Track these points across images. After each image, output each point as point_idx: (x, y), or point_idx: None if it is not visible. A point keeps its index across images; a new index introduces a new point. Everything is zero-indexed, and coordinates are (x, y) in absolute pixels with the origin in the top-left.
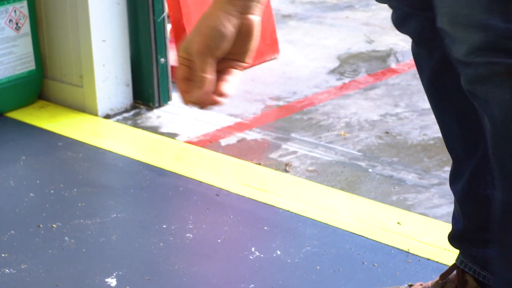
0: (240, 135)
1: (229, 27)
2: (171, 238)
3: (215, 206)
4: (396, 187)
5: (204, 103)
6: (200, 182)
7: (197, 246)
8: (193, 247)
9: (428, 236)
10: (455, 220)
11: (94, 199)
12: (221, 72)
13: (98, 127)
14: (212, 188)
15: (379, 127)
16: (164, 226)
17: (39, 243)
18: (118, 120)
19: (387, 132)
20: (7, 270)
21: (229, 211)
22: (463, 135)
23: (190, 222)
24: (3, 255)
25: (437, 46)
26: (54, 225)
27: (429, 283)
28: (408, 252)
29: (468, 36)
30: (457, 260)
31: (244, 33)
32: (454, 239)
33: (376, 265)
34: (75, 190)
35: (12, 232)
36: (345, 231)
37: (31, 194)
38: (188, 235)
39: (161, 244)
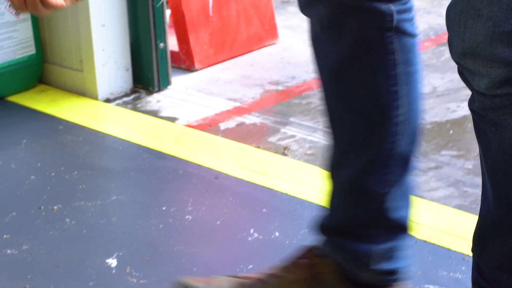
0: (239, 119)
1: None
2: (171, 220)
3: (214, 189)
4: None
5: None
6: (199, 165)
7: (196, 227)
8: (192, 229)
9: (424, 218)
10: (333, 210)
11: (94, 182)
12: None
13: (98, 111)
14: (211, 171)
15: None
16: (164, 208)
17: (40, 224)
18: (118, 104)
19: None
20: (8, 251)
21: (228, 194)
22: (359, 129)
23: (189, 204)
24: (4, 236)
25: (347, 33)
26: (55, 207)
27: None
28: None
29: (491, 71)
30: (316, 245)
31: None
32: (326, 228)
33: None
34: (75, 173)
35: (14, 213)
36: None
37: (32, 177)
38: (187, 217)
39: (161, 225)
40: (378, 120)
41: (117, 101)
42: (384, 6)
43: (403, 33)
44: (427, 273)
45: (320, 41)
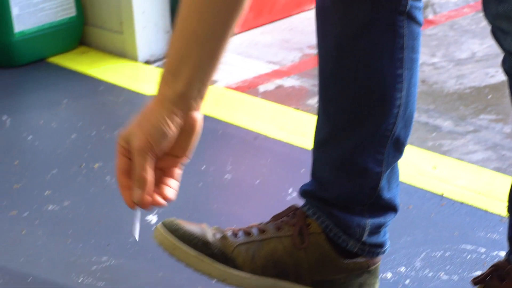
0: (278, 82)
1: (172, 127)
2: (210, 179)
3: (253, 149)
4: (433, 134)
5: (145, 205)
6: (239, 126)
7: (235, 186)
8: (231, 188)
9: (462, 180)
10: (322, 183)
11: None
12: (162, 171)
13: (139, 72)
14: (250, 132)
15: None
16: (203, 167)
17: (81, 181)
18: (158, 66)
19: (423, 81)
20: (50, 207)
21: (267, 154)
22: (358, 107)
23: (229, 164)
24: (46, 192)
25: (360, 11)
26: (96, 165)
27: (257, 225)
28: (442, 196)
29: None
30: (304, 206)
31: (186, 130)
32: (315, 197)
33: (411, 207)
34: (116, 132)
35: (55, 171)
36: None
37: (73, 136)
38: (226, 176)
39: (200, 184)
40: (379, 100)
41: (157, 63)
42: None
43: (413, 20)
44: (464, 234)
45: (328, 13)
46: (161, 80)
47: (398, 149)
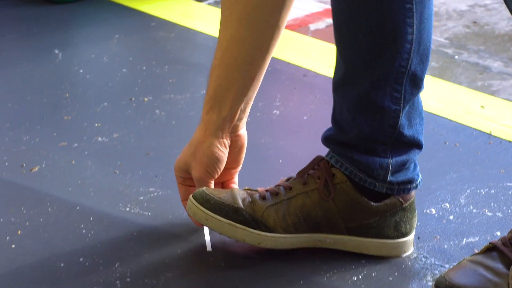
0: (329, 20)
1: (223, 150)
2: (258, 114)
3: (302, 86)
4: (482, 74)
5: None
6: (289, 63)
7: (283, 122)
8: (279, 123)
9: (510, 119)
10: (340, 126)
11: (184, 76)
12: (221, 184)
13: (191, 9)
14: (300, 69)
15: (467, 17)
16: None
17: (131, 114)
18: (209, 4)
19: (474, 22)
20: (100, 138)
21: (316, 91)
22: (371, 45)
23: (277, 100)
24: (96, 124)
25: None
26: (146, 99)
27: (285, 182)
28: (490, 134)
29: None
30: (327, 155)
31: (235, 147)
32: (335, 142)
33: (458, 145)
34: (166, 67)
35: (105, 104)
36: (429, 112)
37: (124, 70)
38: (275, 111)
39: (249, 119)
40: (390, 36)
41: (209, 1)
42: None
43: None
44: (510, 172)
45: None
46: (205, 107)
47: (415, 85)
